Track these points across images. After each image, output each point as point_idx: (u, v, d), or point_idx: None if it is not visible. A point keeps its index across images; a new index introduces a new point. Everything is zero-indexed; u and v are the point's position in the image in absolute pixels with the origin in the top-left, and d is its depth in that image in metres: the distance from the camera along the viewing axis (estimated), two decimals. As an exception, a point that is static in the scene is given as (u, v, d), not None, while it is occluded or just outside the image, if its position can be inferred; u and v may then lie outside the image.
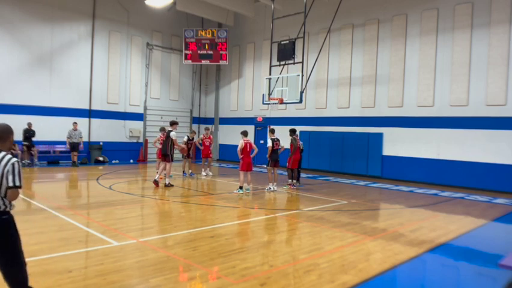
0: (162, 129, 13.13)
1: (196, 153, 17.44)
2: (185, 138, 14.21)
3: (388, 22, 15.36)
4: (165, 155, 11.57)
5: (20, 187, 3.15)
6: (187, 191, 11.18)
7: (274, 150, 11.49)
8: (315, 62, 15.45)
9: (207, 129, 15.25)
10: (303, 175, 15.28)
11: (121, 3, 19.22)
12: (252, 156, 10.99)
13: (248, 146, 10.89)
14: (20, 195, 9.13)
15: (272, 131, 11.82)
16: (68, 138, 16.53)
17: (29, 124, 15.93)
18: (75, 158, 16.55)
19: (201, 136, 14.99)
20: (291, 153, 12.12)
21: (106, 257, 5.02)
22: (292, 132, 12.40)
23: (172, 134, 11.39)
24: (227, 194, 10.60)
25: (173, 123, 11.73)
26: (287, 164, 12.19)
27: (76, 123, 16.92)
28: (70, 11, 17.61)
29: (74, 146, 16.50)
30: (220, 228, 6.83)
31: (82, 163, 17.34)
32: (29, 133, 15.82)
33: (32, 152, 15.98)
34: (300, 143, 12.46)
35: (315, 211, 8.78)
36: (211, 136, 15.22)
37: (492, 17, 12.72)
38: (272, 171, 11.56)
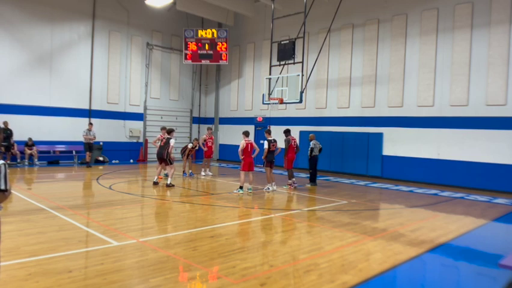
0: (163, 128, 13.14)
1: (196, 154, 17.43)
2: (190, 146, 14.26)
3: (388, 22, 15.36)
4: (162, 159, 11.68)
5: (5, 190, 3.00)
6: (187, 191, 11.18)
7: (271, 152, 11.48)
8: (315, 62, 15.45)
9: (209, 129, 15.27)
10: (303, 175, 15.30)
11: (121, 3, 19.22)
12: (253, 156, 11.00)
13: (249, 146, 10.89)
14: (20, 195, 9.15)
15: (269, 132, 11.80)
16: (85, 135, 16.44)
17: (5, 123, 15.35)
18: (88, 158, 16.58)
19: (204, 136, 14.96)
20: (284, 153, 12.15)
21: (106, 257, 5.02)
22: (287, 132, 12.39)
23: (172, 141, 11.60)
24: (227, 194, 10.61)
25: (171, 131, 11.95)
26: (284, 165, 12.23)
27: (91, 124, 16.97)
28: (70, 11, 17.62)
29: (90, 146, 16.55)
30: (220, 228, 6.82)
31: (81, 163, 17.35)
32: (6, 133, 15.28)
33: (12, 152, 15.78)
34: (295, 142, 12.36)
35: (315, 211, 8.78)
36: (213, 136, 15.23)
37: (492, 17, 12.72)
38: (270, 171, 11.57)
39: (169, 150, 11.60)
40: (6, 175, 3.00)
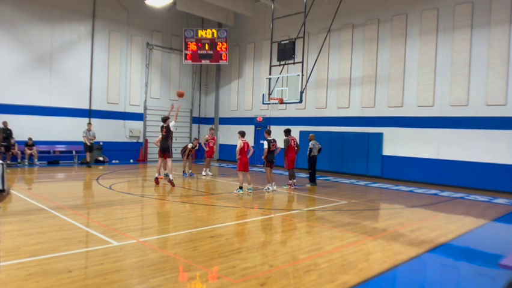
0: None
1: (196, 154, 17.46)
2: (190, 146, 14.27)
3: (388, 22, 15.36)
4: (166, 149, 11.60)
5: (2, 191, 2.95)
6: (187, 191, 11.18)
7: (271, 152, 11.50)
8: (315, 62, 15.45)
9: (212, 129, 15.30)
10: (303, 175, 15.29)
11: (121, 3, 19.22)
12: (248, 156, 11.03)
13: (246, 146, 10.94)
14: (20, 195, 9.15)
15: (268, 132, 11.81)
16: (84, 137, 16.40)
17: (5, 123, 15.29)
18: (89, 158, 16.49)
19: (206, 136, 14.95)
20: (284, 154, 12.14)
21: (106, 257, 5.02)
22: (287, 132, 12.38)
23: (172, 125, 11.57)
24: (227, 194, 10.61)
25: (166, 119, 11.81)
26: (284, 165, 12.24)
27: (90, 124, 16.98)
28: (70, 11, 17.61)
29: (90, 146, 16.49)
30: (220, 228, 6.82)
31: (81, 163, 17.36)
32: (5, 133, 15.19)
33: (13, 152, 15.73)
34: (295, 141, 12.32)
35: (315, 211, 8.78)
36: (215, 137, 15.24)
37: (492, 17, 12.72)
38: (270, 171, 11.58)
39: (175, 117, 11.72)
40: (3, 175, 2.98)
